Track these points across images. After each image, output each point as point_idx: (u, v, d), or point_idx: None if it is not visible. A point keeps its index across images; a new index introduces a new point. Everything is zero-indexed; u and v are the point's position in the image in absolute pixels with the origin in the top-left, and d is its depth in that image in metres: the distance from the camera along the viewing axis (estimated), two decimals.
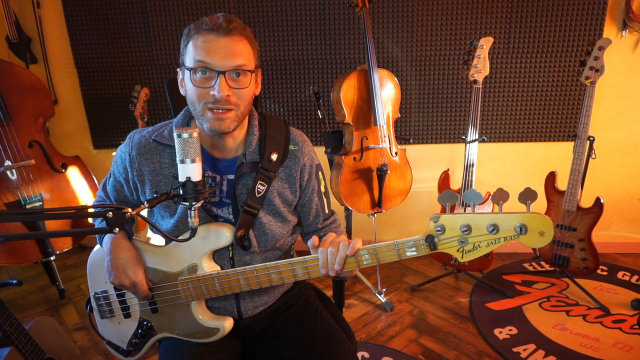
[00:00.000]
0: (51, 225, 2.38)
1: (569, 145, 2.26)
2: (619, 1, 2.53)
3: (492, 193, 0.90)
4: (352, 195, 2.24)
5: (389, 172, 2.21)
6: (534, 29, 2.59)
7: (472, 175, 2.30)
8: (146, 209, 0.93)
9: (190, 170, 0.96)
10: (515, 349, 1.99)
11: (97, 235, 1.20)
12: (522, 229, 0.85)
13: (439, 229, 0.91)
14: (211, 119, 1.03)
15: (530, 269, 2.72)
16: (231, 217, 1.13)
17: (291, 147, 1.16)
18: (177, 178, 0.97)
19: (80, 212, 1.78)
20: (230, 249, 1.15)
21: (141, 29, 2.73)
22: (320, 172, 1.23)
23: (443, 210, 0.96)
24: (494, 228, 0.87)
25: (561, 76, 2.67)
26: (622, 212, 2.87)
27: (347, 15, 2.64)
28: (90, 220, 2.55)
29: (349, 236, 2.35)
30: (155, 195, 0.95)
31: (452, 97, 2.75)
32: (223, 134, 1.06)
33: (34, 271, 2.88)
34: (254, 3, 2.64)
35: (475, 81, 2.20)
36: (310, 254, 1.05)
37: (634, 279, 2.57)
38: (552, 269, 2.52)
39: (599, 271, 2.64)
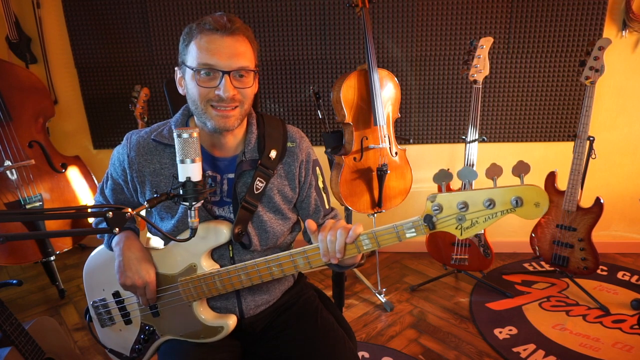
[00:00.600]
0: (51, 225, 2.38)
1: (569, 145, 2.26)
2: (619, 1, 2.53)
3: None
4: (352, 195, 2.24)
5: (389, 172, 2.21)
6: (534, 29, 2.59)
7: None
8: (146, 209, 0.93)
9: (190, 170, 0.96)
10: (515, 349, 1.99)
11: (105, 238, 1.19)
12: (518, 202, 0.86)
13: (436, 208, 0.91)
14: (216, 116, 1.03)
15: (530, 269, 2.72)
16: (232, 215, 1.13)
17: (289, 144, 1.17)
18: (177, 178, 0.97)
19: (80, 212, 1.78)
20: (230, 248, 1.15)
21: (141, 29, 2.74)
22: (317, 168, 1.23)
23: (439, 190, 0.97)
24: (490, 203, 0.87)
25: (561, 76, 2.67)
26: (622, 212, 2.87)
27: (347, 15, 2.63)
28: (89, 220, 2.56)
29: None
30: (155, 196, 0.95)
31: (452, 97, 2.75)
32: (225, 132, 1.06)
33: (34, 271, 2.88)
34: (254, 3, 2.64)
35: (475, 81, 2.20)
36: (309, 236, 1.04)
37: (634, 279, 2.57)
38: (552, 269, 2.52)
39: (599, 271, 2.64)
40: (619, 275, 2.62)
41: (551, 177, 2.31)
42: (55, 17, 2.78)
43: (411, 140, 2.81)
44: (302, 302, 1.28)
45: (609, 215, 2.84)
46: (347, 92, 2.16)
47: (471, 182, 0.96)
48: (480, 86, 2.21)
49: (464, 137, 2.29)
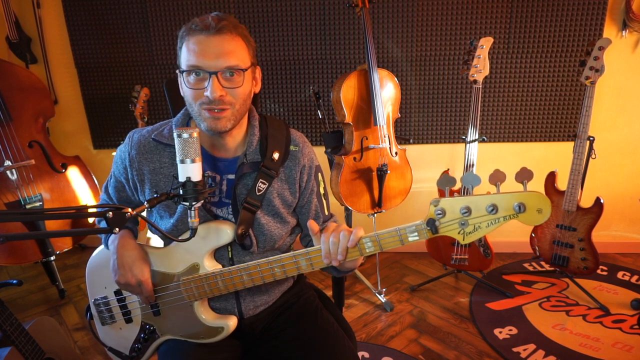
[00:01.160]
0: (51, 225, 2.38)
1: (569, 145, 2.26)
2: (619, 1, 2.53)
3: (491, 192, 0.91)
4: (352, 195, 2.24)
5: (389, 172, 2.21)
6: (534, 29, 2.59)
7: None
8: (146, 209, 0.93)
9: (190, 170, 0.96)
10: (515, 349, 1.99)
11: (102, 237, 1.19)
12: (521, 208, 0.86)
13: (439, 212, 0.92)
14: (207, 118, 1.02)
15: (530, 269, 2.72)
16: (231, 216, 1.13)
17: (292, 147, 1.16)
18: (177, 178, 0.97)
19: (80, 212, 1.78)
20: (229, 249, 1.14)
21: (141, 29, 2.73)
22: (319, 174, 1.22)
23: (442, 195, 0.97)
24: (493, 208, 0.88)
25: (561, 76, 2.67)
26: (622, 212, 2.87)
27: (347, 15, 2.63)
28: (90, 220, 2.55)
29: None
30: (155, 195, 0.95)
31: (452, 97, 2.75)
32: (221, 133, 1.06)
33: (34, 271, 2.88)
34: (253, 3, 2.64)
35: (475, 81, 2.20)
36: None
37: (634, 279, 2.57)
38: (552, 269, 2.52)
39: (599, 271, 2.64)
40: (619, 275, 2.62)
41: (551, 177, 2.31)
42: (55, 17, 2.78)
43: (411, 140, 2.81)
44: (301, 302, 1.28)
45: (609, 215, 2.83)
46: (347, 92, 2.16)
47: (474, 187, 0.95)
48: (480, 86, 2.21)
49: (464, 137, 2.29)
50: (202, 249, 1.10)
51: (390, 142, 2.24)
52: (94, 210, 1.29)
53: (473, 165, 2.29)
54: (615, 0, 2.53)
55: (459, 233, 0.92)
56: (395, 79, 2.26)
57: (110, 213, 0.87)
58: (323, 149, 2.38)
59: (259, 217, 1.13)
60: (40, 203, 2.38)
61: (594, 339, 2.05)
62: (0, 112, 2.28)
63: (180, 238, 1.03)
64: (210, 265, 1.11)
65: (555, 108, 2.73)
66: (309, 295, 1.31)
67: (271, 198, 1.14)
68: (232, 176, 1.13)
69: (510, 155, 2.82)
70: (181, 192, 0.96)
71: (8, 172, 2.30)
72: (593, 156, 2.18)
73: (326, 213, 1.25)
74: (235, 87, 1.02)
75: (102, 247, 1.24)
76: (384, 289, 2.50)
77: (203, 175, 0.99)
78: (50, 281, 2.55)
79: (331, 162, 2.31)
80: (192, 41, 0.99)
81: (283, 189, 1.15)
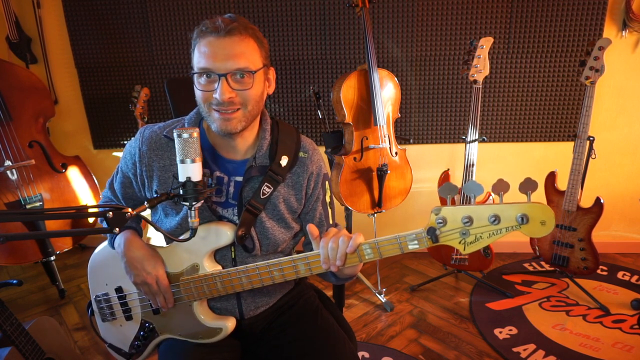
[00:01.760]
0: (51, 225, 2.38)
1: (569, 145, 2.26)
2: (619, 1, 2.53)
3: (491, 193, 0.90)
4: (352, 195, 2.24)
5: (389, 172, 2.21)
6: (534, 29, 2.59)
7: (472, 175, 2.30)
8: (146, 209, 0.92)
9: (191, 170, 0.96)
10: (515, 349, 1.99)
11: (107, 237, 1.19)
12: (524, 219, 0.85)
13: (440, 221, 0.91)
14: (218, 119, 1.02)
15: (530, 269, 2.72)
16: (236, 218, 1.13)
17: (301, 154, 1.16)
18: (177, 178, 0.97)
19: (80, 212, 1.78)
20: (232, 250, 1.14)
21: (141, 29, 2.73)
22: (327, 182, 1.21)
23: (444, 203, 0.96)
24: (496, 219, 0.87)
25: (561, 76, 2.67)
26: (622, 212, 2.87)
27: (347, 15, 2.64)
28: (90, 220, 2.55)
29: None
30: (155, 195, 0.95)
31: (452, 97, 2.75)
32: (232, 134, 1.05)
33: (34, 271, 2.88)
34: (253, 3, 2.64)
35: (475, 81, 2.20)
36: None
37: (634, 279, 2.57)
38: (552, 269, 2.52)
39: (599, 271, 2.64)
40: (619, 275, 2.62)
41: (551, 177, 2.31)
42: (55, 17, 2.78)
43: (411, 140, 2.81)
44: (302, 303, 1.28)
45: (609, 215, 2.83)
46: (347, 92, 2.16)
47: (476, 196, 0.94)
48: (480, 86, 2.21)
49: (464, 137, 2.29)
50: (202, 249, 1.10)
51: (391, 142, 2.24)
52: (94, 210, 1.29)
53: (473, 165, 2.29)
54: (615, 0, 2.53)
55: (459, 243, 0.91)
56: (395, 79, 2.26)
57: (110, 213, 0.87)
58: (323, 149, 2.38)
59: (263, 220, 1.12)
60: (41, 203, 2.38)
61: (594, 339, 2.05)
62: (0, 112, 2.28)
63: (180, 238, 1.03)
64: (210, 266, 1.11)
65: (555, 108, 2.73)
66: (309, 295, 1.31)
67: (277, 203, 1.13)
68: (239, 178, 1.13)
69: (510, 155, 2.82)
70: (181, 192, 0.96)
71: (8, 172, 2.30)
72: (593, 156, 2.18)
73: (330, 222, 1.24)
74: (245, 89, 1.01)
75: (103, 244, 1.24)
76: (384, 289, 2.50)
77: (203, 176, 0.99)
78: (50, 281, 2.55)
79: (331, 162, 2.31)
80: (203, 43, 1.00)
81: (289, 195, 1.15)
